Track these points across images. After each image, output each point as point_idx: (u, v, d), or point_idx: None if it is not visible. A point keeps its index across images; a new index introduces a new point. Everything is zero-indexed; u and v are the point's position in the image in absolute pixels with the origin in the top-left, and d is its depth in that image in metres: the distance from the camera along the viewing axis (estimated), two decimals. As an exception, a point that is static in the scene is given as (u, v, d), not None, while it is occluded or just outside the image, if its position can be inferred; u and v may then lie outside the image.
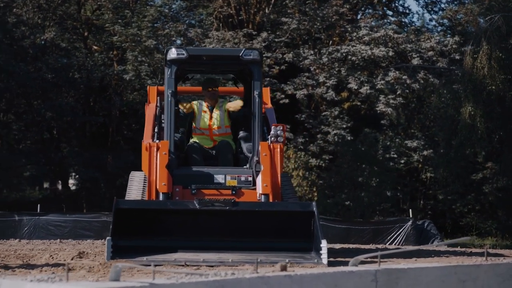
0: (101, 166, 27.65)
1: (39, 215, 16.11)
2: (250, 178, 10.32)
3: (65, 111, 26.81)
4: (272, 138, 10.26)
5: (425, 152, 29.02)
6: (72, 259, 9.16)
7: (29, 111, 27.94)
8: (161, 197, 9.79)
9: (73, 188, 31.91)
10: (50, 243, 13.90)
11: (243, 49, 10.50)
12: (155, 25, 28.75)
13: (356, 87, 28.34)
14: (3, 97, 27.22)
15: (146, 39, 27.58)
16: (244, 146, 10.73)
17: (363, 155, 29.05)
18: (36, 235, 15.58)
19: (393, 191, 29.51)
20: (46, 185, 36.46)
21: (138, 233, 9.17)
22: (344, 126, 28.29)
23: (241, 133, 10.94)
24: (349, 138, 28.18)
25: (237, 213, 9.29)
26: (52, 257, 9.31)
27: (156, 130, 10.61)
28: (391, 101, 28.27)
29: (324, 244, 8.73)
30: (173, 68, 10.33)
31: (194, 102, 11.00)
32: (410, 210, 18.06)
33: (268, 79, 28.44)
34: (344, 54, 28.57)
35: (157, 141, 10.17)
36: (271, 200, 9.86)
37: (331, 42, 29.95)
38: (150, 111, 11.16)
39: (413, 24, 33.24)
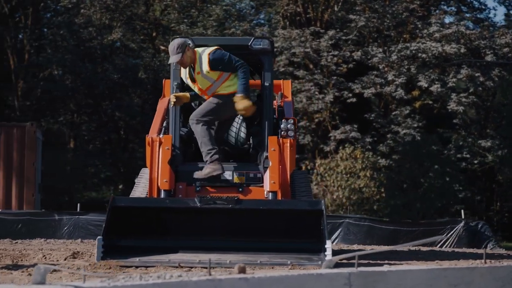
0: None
1: (78, 215, 16.07)
2: (259, 175, 9.76)
3: (133, 111, 26.95)
4: (282, 132, 9.78)
5: (499, 152, 28.01)
6: (65, 259, 8.95)
7: (97, 111, 28.21)
8: (162, 195, 9.40)
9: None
10: (71, 243, 13.81)
11: (252, 38, 9.99)
12: (226, 24, 28.62)
13: (426, 85, 27.55)
14: (72, 98, 27.58)
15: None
16: (254, 141, 10.31)
17: (434, 155, 28.24)
18: (76, 235, 15.53)
19: (466, 192, 28.61)
20: (121, 185, 36.77)
21: (135, 232, 8.76)
22: (415, 125, 27.54)
23: (254, 128, 10.48)
24: (418, 138, 27.42)
25: (240, 212, 8.82)
26: (45, 257, 9.06)
27: (164, 124, 10.29)
28: (463, 99, 27.35)
29: (328, 245, 8.24)
30: None
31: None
32: (462, 211, 17.30)
33: (335, 77, 27.99)
34: (413, 52, 27.80)
35: (161, 135, 9.84)
36: (279, 198, 9.40)
37: (401, 40, 29.21)
38: (161, 104, 10.81)
39: (490, 20, 32.14)
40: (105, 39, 27.56)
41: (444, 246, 16.15)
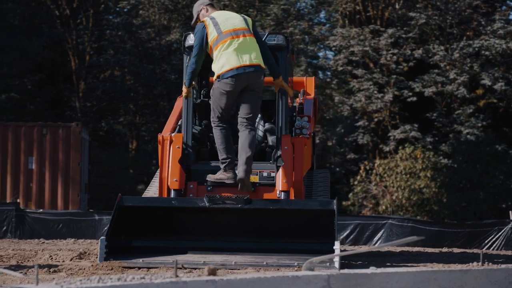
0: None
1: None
2: (273, 174, 9.52)
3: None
4: (297, 130, 9.57)
5: None
6: (70, 259, 8.89)
7: (155, 112, 28.39)
8: (172, 194, 9.17)
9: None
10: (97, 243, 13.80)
11: (266, 34, 9.65)
12: (285, 24, 28.45)
13: (490, 84, 26.85)
14: (131, 99, 27.81)
15: (269, 38, 27.33)
16: (270, 139, 10.00)
17: (498, 155, 27.50)
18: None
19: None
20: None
21: (142, 233, 8.67)
22: (479, 124, 26.86)
23: (267, 125, 10.18)
24: (482, 137, 26.75)
25: (250, 212, 8.66)
26: (51, 258, 8.99)
27: (179, 123, 10.15)
28: (530, 97, 26.61)
29: (336, 246, 7.95)
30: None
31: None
32: (510, 212, 16.70)
33: (394, 76, 27.53)
34: (476, 49, 27.13)
35: (173, 134, 9.71)
36: (292, 198, 9.12)
37: (464, 37, 28.52)
38: (178, 102, 10.70)
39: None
40: (163, 40, 27.69)
41: (492, 249, 15.66)
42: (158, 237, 8.62)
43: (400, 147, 26.86)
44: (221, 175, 9.00)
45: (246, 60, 8.72)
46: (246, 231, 8.70)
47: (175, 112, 10.43)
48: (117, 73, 28.72)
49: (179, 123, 10.11)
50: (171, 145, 9.47)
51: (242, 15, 9.17)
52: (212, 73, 11.64)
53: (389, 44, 27.25)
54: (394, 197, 26.51)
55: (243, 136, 8.88)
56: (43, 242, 13.58)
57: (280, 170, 9.22)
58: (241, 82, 8.75)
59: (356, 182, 27.33)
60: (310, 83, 11.56)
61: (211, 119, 9.14)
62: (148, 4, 28.01)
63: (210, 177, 9.14)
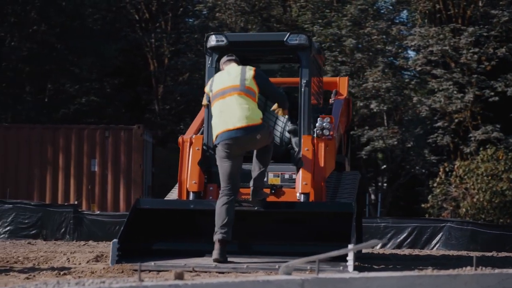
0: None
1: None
2: (295, 176, 9.38)
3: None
4: (318, 131, 9.35)
5: None
6: (87, 262, 8.92)
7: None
8: (191, 197, 9.16)
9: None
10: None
11: (288, 33, 9.59)
12: (362, 24, 28.05)
13: None
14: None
15: (345, 38, 27.04)
16: (293, 140, 9.84)
17: None
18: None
19: None
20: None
21: (159, 235, 8.65)
22: None
23: (291, 126, 10.06)
24: None
25: (266, 214, 8.60)
26: (69, 260, 9.07)
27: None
28: None
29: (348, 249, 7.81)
30: (213, 56, 9.65)
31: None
32: None
33: (475, 76, 26.76)
34: None
35: (194, 136, 9.66)
36: (311, 200, 8.95)
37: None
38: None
39: None
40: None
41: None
42: (175, 240, 8.60)
43: (481, 148, 26.10)
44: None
45: (230, 124, 8.34)
46: (264, 233, 8.61)
47: (201, 113, 10.39)
48: (195, 76, 28.89)
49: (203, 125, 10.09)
50: (191, 147, 9.42)
51: (246, 67, 8.71)
52: None
53: (469, 43, 26.50)
54: (475, 200, 25.77)
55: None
56: (84, 244, 13.72)
57: (300, 172, 9.07)
58: (234, 147, 8.35)
59: (435, 184, 26.73)
60: (343, 83, 11.39)
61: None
62: (225, 7, 28.07)
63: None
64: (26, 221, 16.39)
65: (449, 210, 27.12)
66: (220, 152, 8.29)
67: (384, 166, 29.40)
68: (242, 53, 10.12)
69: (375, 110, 26.70)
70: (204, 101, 9.33)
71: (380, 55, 27.53)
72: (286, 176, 9.34)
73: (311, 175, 9.00)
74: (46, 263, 9.02)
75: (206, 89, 8.41)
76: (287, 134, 10.24)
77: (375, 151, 26.95)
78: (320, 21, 27.81)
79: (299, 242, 8.50)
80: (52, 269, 7.99)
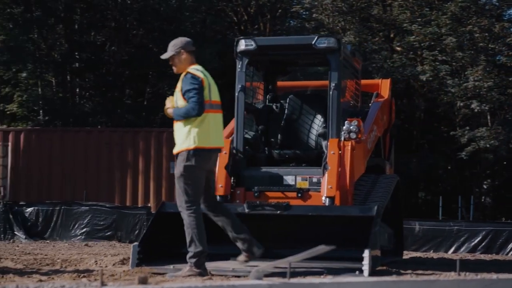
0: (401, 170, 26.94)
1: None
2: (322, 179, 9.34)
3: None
4: (345, 134, 9.22)
5: None
6: (113, 265, 8.97)
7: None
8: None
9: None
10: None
11: (316, 36, 9.54)
12: (466, 21, 27.20)
13: None
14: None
15: (445, 37, 26.31)
16: (323, 143, 9.73)
17: None
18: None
19: None
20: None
21: (182, 239, 8.79)
22: None
23: (321, 130, 10.00)
24: None
25: (289, 218, 8.50)
26: (96, 263, 9.15)
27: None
28: None
29: (366, 254, 7.53)
30: (244, 61, 9.78)
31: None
32: None
33: None
34: None
35: None
36: (337, 204, 8.84)
37: None
38: None
39: None
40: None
41: None
42: None
43: None
44: (188, 272, 7.52)
45: (220, 143, 7.79)
46: (284, 237, 8.58)
47: (233, 120, 10.44)
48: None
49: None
50: None
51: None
52: (280, 78, 11.54)
53: None
54: None
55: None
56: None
57: (326, 175, 9.00)
58: (212, 165, 7.80)
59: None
60: (385, 85, 11.22)
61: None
62: (322, 7, 27.80)
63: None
64: (102, 223, 16.67)
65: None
66: (204, 164, 7.60)
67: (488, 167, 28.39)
68: (272, 57, 10.13)
69: (475, 110, 25.83)
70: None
71: (483, 53, 26.61)
72: (314, 180, 9.32)
73: (337, 179, 8.90)
74: (75, 265, 9.12)
75: (206, 92, 7.55)
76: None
77: (478, 152, 26.06)
78: (419, 19, 27.15)
79: (313, 245, 8.46)
80: (75, 271, 8.05)
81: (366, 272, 7.43)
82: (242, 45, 9.71)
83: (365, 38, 28.15)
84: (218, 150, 7.72)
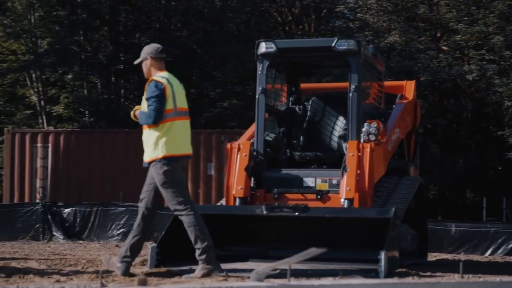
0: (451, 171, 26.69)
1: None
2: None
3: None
4: (364, 136, 9.17)
5: None
6: (133, 265, 9.04)
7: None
8: (237, 202, 9.24)
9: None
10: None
11: (336, 39, 9.54)
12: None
13: None
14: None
15: (493, 36, 25.87)
16: (344, 145, 9.73)
17: None
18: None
19: None
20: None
21: None
22: None
23: (342, 132, 10.02)
24: None
25: (307, 220, 8.55)
26: (119, 263, 9.29)
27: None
28: None
29: (382, 256, 7.49)
30: (264, 63, 9.77)
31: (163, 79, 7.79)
32: None
33: None
34: None
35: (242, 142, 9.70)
36: (356, 206, 8.82)
37: None
38: None
39: None
40: (381, 42, 27.13)
41: None
42: (220, 244, 8.57)
43: None
44: (202, 271, 7.48)
45: (188, 150, 7.86)
46: (302, 239, 8.60)
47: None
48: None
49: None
50: (238, 153, 9.52)
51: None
52: (303, 80, 11.48)
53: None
54: None
55: None
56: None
57: (345, 177, 8.99)
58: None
59: None
60: (409, 87, 11.21)
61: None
62: (366, 7, 27.57)
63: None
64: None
65: None
66: (178, 168, 7.69)
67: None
68: (292, 59, 10.22)
69: (524, 110, 25.38)
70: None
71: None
72: (334, 182, 9.31)
73: (355, 181, 8.88)
74: (97, 266, 9.23)
75: (170, 101, 7.53)
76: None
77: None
78: (465, 18, 26.74)
79: (340, 247, 8.48)
80: (95, 272, 8.11)
81: (381, 274, 7.39)
82: (263, 47, 9.74)
83: (411, 37, 27.82)
84: (187, 157, 7.80)
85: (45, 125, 26.46)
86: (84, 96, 27.17)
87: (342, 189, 8.96)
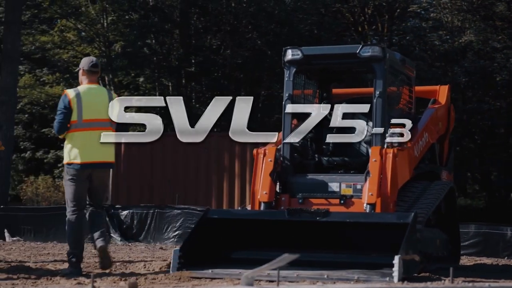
0: None
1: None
2: None
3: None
4: (387, 142, 9.25)
5: None
6: (160, 268, 9.12)
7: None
8: (262, 207, 9.34)
9: None
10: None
11: (361, 45, 9.64)
12: None
13: None
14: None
15: None
16: (370, 150, 9.71)
17: None
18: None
19: None
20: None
21: (226, 245, 8.80)
22: None
23: (367, 137, 9.85)
24: None
25: (327, 225, 8.58)
26: (145, 267, 9.40)
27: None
28: None
29: (396, 261, 7.44)
30: (291, 70, 9.92)
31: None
32: None
33: None
34: None
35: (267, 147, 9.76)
36: (378, 211, 8.85)
37: None
38: None
39: None
40: (455, 42, 26.62)
41: None
42: (243, 249, 8.81)
43: None
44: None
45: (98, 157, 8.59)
46: (323, 244, 8.70)
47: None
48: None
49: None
50: (264, 158, 9.68)
51: (111, 92, 8.90)
52: (335, 86, 11.36)
53: None
54: None
55: None
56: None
57: (367, 182, 9.08)
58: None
59: None
60: (443, 92, 11.22)
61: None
62: (440, 6, 27.06)
63: None
64: (194, 226, 16.77)
65: None
66: (79, 176, 8.49)
67: None
68: (317, 66, 10.35)
69: None
70: None
71: None
72: (358, 187, 9.38)
73: (378, 186, 8.97)
74: (125, 269, 9.30)
75: (74, 113, 8.44)
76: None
77: None
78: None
79: (360, 252, 8.56)
80: (120, 274, 8.27)
81: (395, 278, 7.36)
82: (289, 54, 9.92)
83: (487, 36, 27.18)
84: (93, 165, 8.46)
85: (117, 127, 26.77)
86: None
87: (365, 194, 9.04)
